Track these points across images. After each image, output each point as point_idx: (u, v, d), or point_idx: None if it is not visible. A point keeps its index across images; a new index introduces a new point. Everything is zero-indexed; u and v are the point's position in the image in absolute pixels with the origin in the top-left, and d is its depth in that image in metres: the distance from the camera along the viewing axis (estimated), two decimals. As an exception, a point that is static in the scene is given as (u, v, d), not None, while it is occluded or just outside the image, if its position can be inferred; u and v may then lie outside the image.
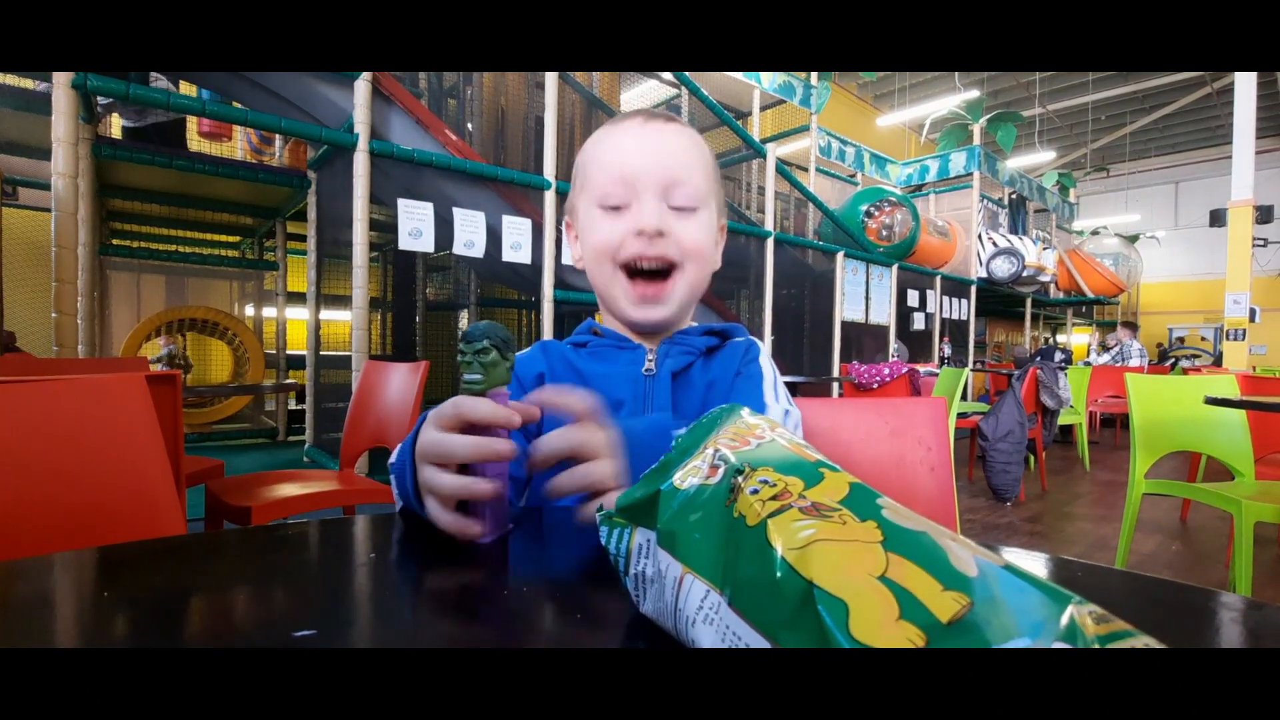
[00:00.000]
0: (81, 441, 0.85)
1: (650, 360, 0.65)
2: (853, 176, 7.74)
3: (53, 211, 2.30)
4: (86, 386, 0.87)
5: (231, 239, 5.52)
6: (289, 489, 1.59)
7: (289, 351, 4.81)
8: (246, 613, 0.36)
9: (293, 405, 5.00)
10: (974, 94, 8.70)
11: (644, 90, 5.99)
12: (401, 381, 1.73)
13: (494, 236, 3.30)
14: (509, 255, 3.36)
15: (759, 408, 0.62)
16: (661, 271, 0.63)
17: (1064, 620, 0.19)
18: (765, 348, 0.69)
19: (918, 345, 6.65)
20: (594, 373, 0.66)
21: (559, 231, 3.56)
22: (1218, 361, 9.20)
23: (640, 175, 0.61)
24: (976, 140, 8.02)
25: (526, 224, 3.41)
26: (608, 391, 0.65)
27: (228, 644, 0.31)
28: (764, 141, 5.39)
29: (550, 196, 3.51)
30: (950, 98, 8.77)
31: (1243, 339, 6.85)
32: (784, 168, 5.08)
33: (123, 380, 0.88)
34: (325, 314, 3.94)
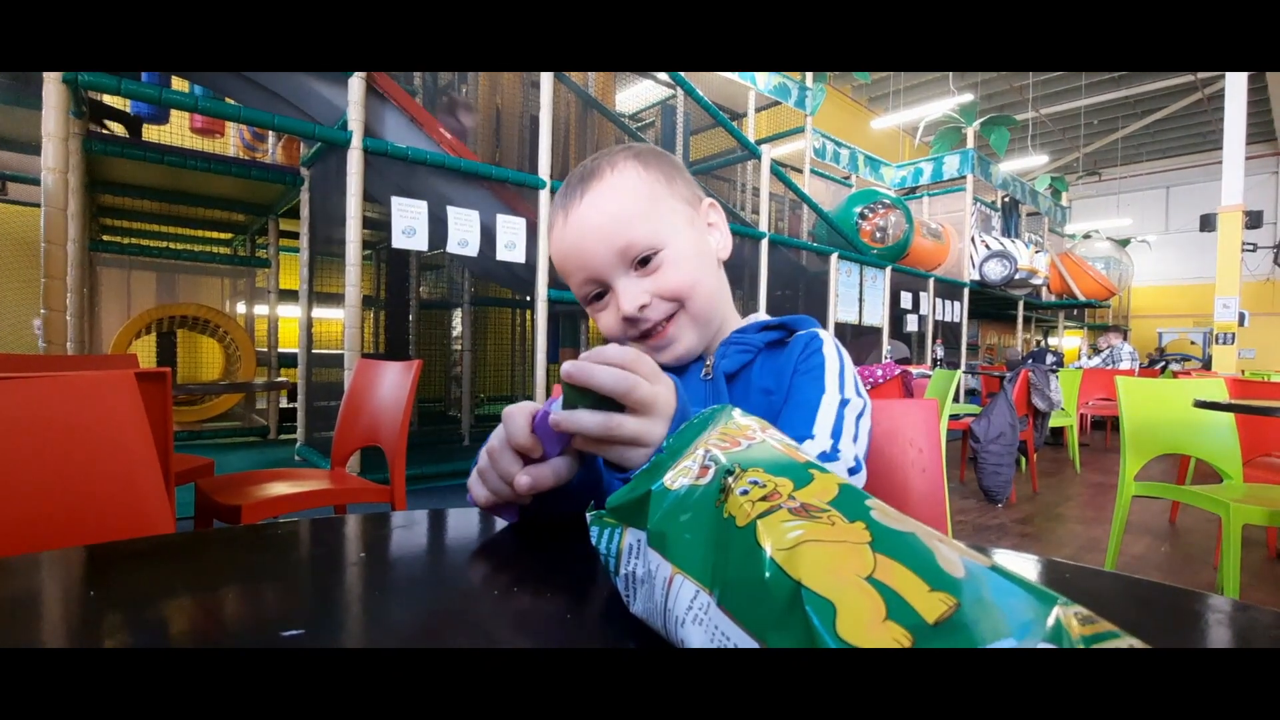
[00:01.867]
0: (69, 439, 0.84)
1: (708, 366, 0.66)
2: (847, 178, 7.77)
3: (42, 207, 2.28)
4: (75, 383, 0.86)
5: (223, 236, 5.49)
6: (280, 488, 1.58)
7: (281, 349, 4.78)
8: (234, 613, 0.36)
9: (284, 404, 4.97)
10: (968, 97, 8.75)
11: (639, 90, 5.99)
12: (394, 380, 1.72)
13: (488, 235, 3.29)
14: (503, 254, 3.35)
15: (818, 394, 0.60)
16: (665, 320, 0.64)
17: (1050, 621, 0.19)
18: (829, 336, 0.67)
19: (910, 347, 6.68)
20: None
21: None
22: (1207, 365, 9.27)
23: (594, 268, 0.62)
24: (970, 143, 8.07)
25: (521, 223, 3.41)
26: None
27: (214, 644, 0.31)
28: (759, 143, 5.40)
29: (545, 196, 3.51)
30: (944, 101, 8.81)
31: (1231, 343, 6.91)
32: (779, 169, 5.09)
33: (112, 377, 0.88)
34: (318, 312, 3.92)
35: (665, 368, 0.68)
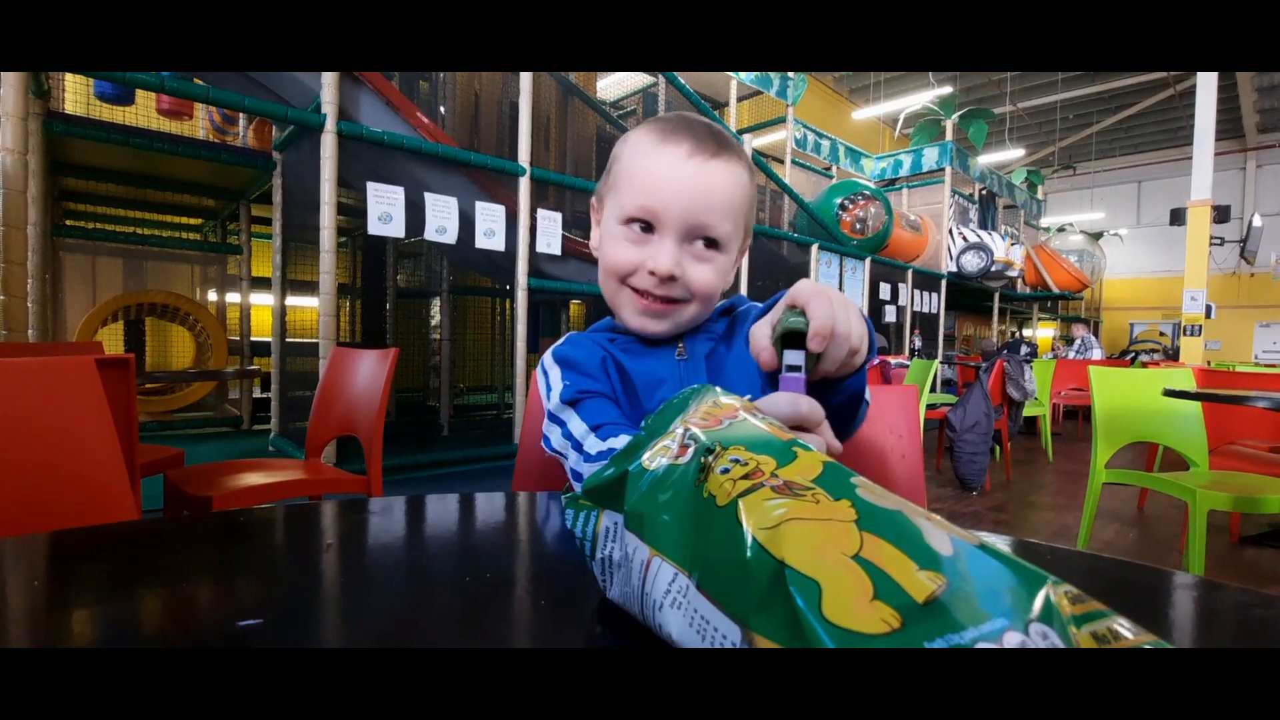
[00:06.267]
0: (24, 426, 0.81)
1: (680, 349, 0.68)
2: (828, 169, 7.79)
3: (0, 189, 2.19)
4: (30, 369, 0.83)
5: (193, 221, 5.34)
6: (252, 478, 1.54)
7: (254, 338, 4.68)
8: (187, 601, 0.34)
9: (258, 393, 4.87)
10: (947, 90, 8.81)
11: (621, 77, 5.94)
12: (370, 369, 1.69)
13: (467, 223, 3.24)
14: (482, 242, 3.31)
15: None
16: (668, 301, 0.65)
17: (1040, 599, 0.18)
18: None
19: (889, 338, 6.75)
20: (631, 364, 0.68)
21: (533, 219, 3.52)
22: (1174, 356, 9.51)
23: (666, 211, 0.61)
24: (949, 136, 8.13)
25: (500, 210, 3.36)
26: (648, 373, 0.67)
27: (166, 632, 0.30)
28: (740, 132, 5.39)
29: (525, 183, 3.46)
30: (924, 93, 8.87)
31: (1199, 334, 7.08)
32: (760, 159, 5.08)
33: (70, 363, 0.84)
34: (292, 300, 3.84)
35: (634, 340, 0.69)
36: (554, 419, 0.65)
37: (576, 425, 0.62)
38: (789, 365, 0.43)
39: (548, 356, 0.70)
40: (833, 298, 0.44)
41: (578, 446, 0.61)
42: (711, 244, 0.63)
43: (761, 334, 0.45)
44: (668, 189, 0.61)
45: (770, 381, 0.46)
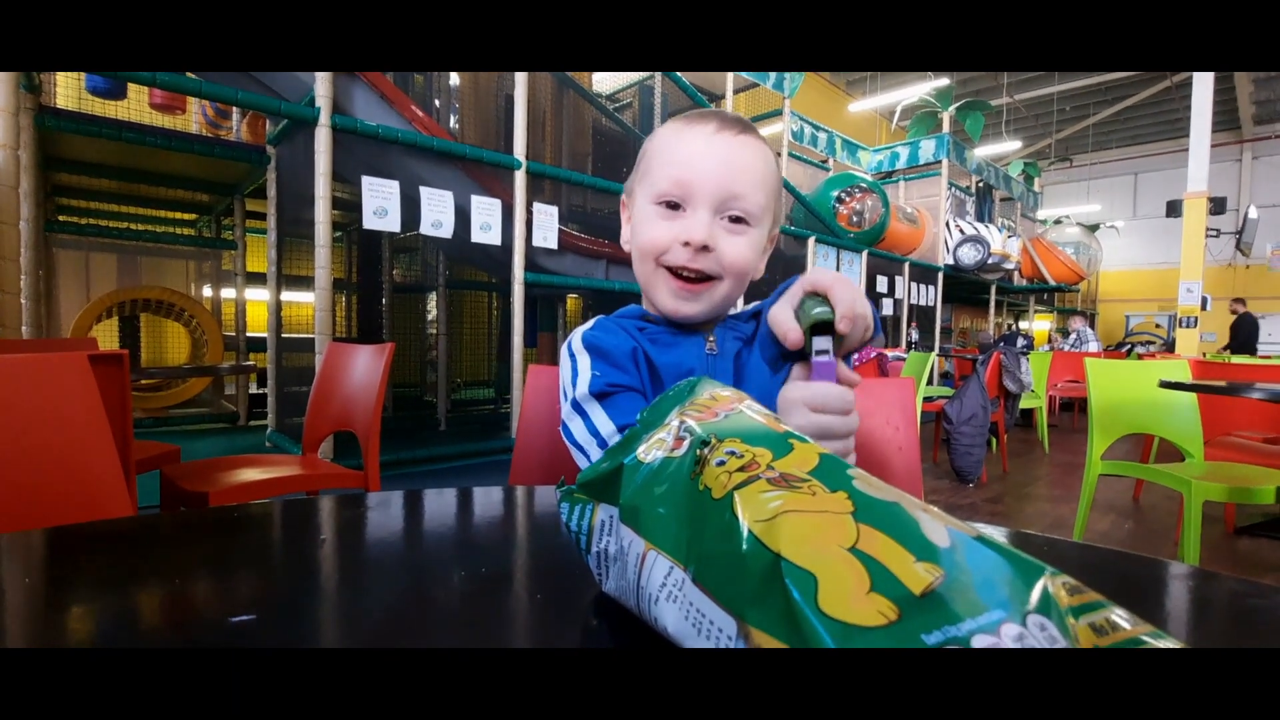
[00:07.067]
0: (19, 424, 0.81)
1: (711, 342, 0.68)
2: (824, 162, 7.77)
3: (-9, 184, 2.18)
4: (24, 366, 0.82)
5: (187, 216, 5.32)
6: (249, 474, 1.54)
7: (249, 334, 4.67)
8: (185, 596, 0.34)
9: (254, 389, 4.86)
10: (944, 82, 8.78)
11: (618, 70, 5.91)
12: (366, 363, 1.69)
13: (463, 217, 3.23)
14: (478, 236, 3.30)
15: None
16: (702, 278, 0.66)
17: (1037, 591, 0.18)
18: None
19: (885, 331, 6.75)
20: (659, 355, 0.67)
21: (529, 213, 3.51)
22: (1170, 347, 9.55)
23: (699, 183, 0.63)
24: (946, 128, 8.11)
25: (496, 204, 3.35)
26: (677, 366, 0.66)
27: (159, 628, 0.29)
28: (737, 125, 5.35)
29: (520, 176, 3.45)
30: (921, 85, 8.85)
31: (1194, 326, 7.10)
32: (757, 152, 5.05)
33: (62, 359, 0.84)
34: (287, 295, 3.83)
35: (664, 330, 0.69)
36: (578, 409, 0.63)
37: (603, 423, 0.61)
38: (819, 350, 0.47)
39: (577, 341, 0.68)
40: (849, 283, 0.48)
41: (603, 445, 0.60)
42: (742, 218, 0.64)
43: (784, 315, 0.48)
44: (698, 162, 0.63)
45: (788, 358, 0.52)
